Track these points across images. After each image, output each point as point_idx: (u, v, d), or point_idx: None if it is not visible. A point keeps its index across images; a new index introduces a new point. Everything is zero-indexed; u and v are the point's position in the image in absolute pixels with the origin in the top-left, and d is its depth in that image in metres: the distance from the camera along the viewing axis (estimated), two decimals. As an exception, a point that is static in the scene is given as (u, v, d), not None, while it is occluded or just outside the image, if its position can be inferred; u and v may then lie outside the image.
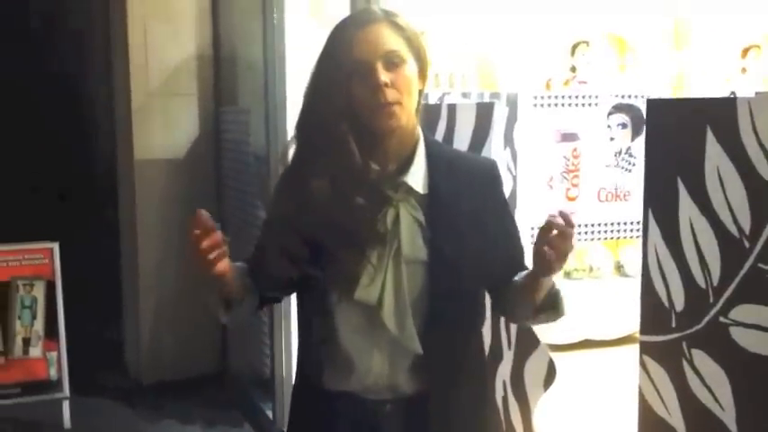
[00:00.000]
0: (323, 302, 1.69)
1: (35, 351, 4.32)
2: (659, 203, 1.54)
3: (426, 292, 1.67)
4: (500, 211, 1.79)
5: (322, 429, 1.74)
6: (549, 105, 4.97)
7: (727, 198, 1.41)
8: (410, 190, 1.69)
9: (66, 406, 4.33)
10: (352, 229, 1.64)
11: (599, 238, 4.96)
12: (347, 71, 1.61)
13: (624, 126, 4.87)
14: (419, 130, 1.73)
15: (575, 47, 5.25)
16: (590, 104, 4.92)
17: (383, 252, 1.65)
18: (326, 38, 1.68)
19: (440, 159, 1.73)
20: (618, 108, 4.74)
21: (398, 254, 1.65)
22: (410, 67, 1.64)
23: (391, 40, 1.62)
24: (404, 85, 1.63)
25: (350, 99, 1.62)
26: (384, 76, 1.60)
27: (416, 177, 1.69)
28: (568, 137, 4.93)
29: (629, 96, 4.75)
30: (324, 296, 1.68)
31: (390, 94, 1.61)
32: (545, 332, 2.36)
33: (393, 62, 1.62)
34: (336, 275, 1.65)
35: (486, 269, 1.71)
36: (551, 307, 1.72)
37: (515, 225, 1.84)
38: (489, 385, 1.94)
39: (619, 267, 5.40)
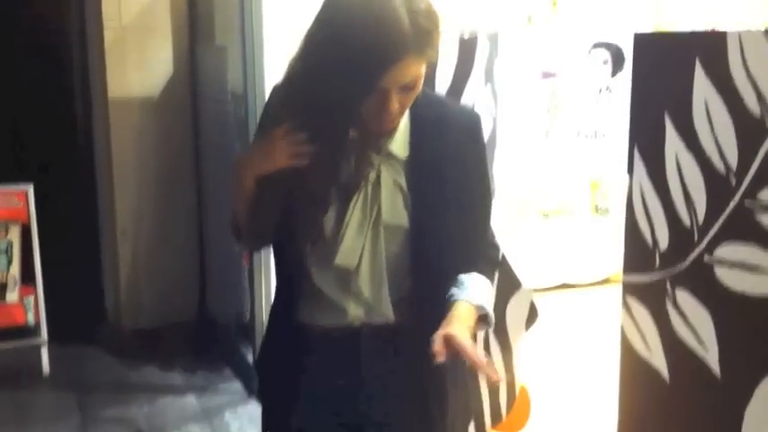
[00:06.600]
0: (301, 263, 1.66)
1: (12, 296, 4.29)
2: (645, 140, 1.51)
3: (405, 258, 1.65)
4: (476, 175, 1.72)
5: (296, 354, 1.72)
6: (530, 42, 4.91)
7: (714, 134, 1.38)
8: (391, 154, 1.65)
9: (44, 351, 4.31)
10: (331, 191, 1.61)
11: (578, 172, 4.96)
12: (361, 91, 1.52)
13: (605, 63, 4.84)
14: None
15: (556, -18, 5.17)
16: (571, 41, 4.87)
17: (363, 217, 1.63)
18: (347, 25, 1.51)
19: (424, 120, 1.67)
20: (599, 45, 4.69)
21: (378, 219, 1.63)
22: (422, 80, 1.57)
23: (414, 71, 1.52)
24: (412, 98, 1.58)
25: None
26: (396, 102, 1.54)
27: (399, 141, 1.65)
28: (549, 75, 4.89)
29: (611, 33, 4.70)
30: (301, 257, 1.66)
31: (397, 113, 1.56)
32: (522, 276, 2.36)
33: (408, 87, 1.55)
34: (313, 237, 1.63)
35: (459, 236, 1.68)
36: (481, 320, 1.68)
37: (489, 192, 1.78)
38: None
39: (597, 208, 5.41)
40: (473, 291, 1.65)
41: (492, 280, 1.77)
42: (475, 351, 1.52)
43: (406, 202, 1.64)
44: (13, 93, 5.46)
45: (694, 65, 1.39)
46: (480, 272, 1.70)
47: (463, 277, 1.66)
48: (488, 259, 1.79)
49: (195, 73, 4.56)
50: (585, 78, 4.88)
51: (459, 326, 1.56)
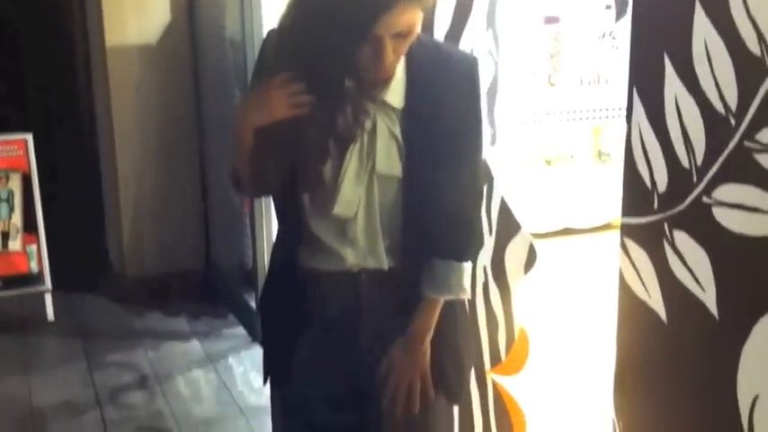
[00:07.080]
0: (300, 211, 1.68)
1: (14, 244, 4.31)
2: (644, 81, 1.50)
3: (399, 207, 1.67)
4: (470, 122, 1.73)
5: (296, 294, 1.76)
6: (533, -13, 4.83)
7: (714, 74, 1.37)
8: (387, 103, 1.65)
9: (48, 299, 4.34)
10: (329, 141, 1.61)
11: (580, 118, 4.93)
12: (354, 40, 1.52)
13: (608, 7, 4.78)
14: None
15: None
16: (574, -14, 4.81)
17: (360, 166, 1.64)
18: None
19: (420, 69, 1.66)
20: (603, -11, 4.62)
21: (373, 169, 1.64)
22: (417, 27, 1.57)
23: (409, 18, 1.52)
24: (406, 45, 1.58)
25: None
26: (390, 50, 1.54)
27: (395, 92, 1.65)
28: (552, 20, 4.84)
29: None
30: (300, 206, 1.68)
31: (391, 60, 1.56)
32: (524, 222, 2.36)
33: (402, 34, 1.55)
34: (312, 186, 1.64)
35: (451, 187, 1.69)
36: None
37: (480, 137, 1.78)
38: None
39: (600, 154, 5.39)
40: (442, 280, 1.73)
41: (474, 239, 1.83)
42: (400, 389, 1.73)
43: (400, 152, 1.65)
44: (12, 42, 5.42)
45: (694, 4, 1.37)
46: (465, 229, 1.75)
47: (437, 263, 1.72)
48: (476, 207, 1.82)
49: (193, 20, 4.52)
50: (589, 23, 4.83)
51: (409, 350, 1.73)
